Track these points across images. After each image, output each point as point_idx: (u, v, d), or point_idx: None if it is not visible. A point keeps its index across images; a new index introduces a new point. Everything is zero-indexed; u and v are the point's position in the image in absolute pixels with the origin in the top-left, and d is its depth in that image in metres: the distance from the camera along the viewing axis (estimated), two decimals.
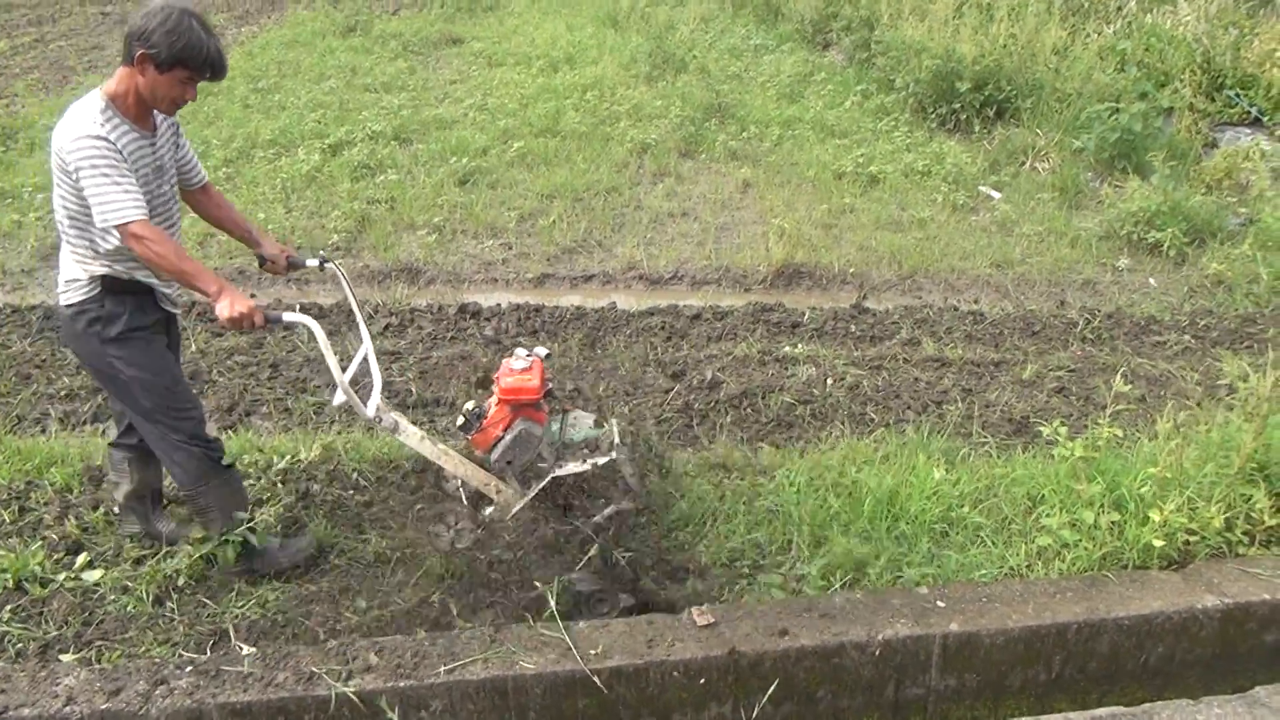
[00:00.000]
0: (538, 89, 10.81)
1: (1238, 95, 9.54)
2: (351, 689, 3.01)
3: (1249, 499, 4.07)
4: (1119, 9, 11.49)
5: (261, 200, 7.75)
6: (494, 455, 3.70)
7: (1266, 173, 8.19)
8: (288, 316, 3.40)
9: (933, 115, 9.99)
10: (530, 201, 7.96)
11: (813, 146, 9.29)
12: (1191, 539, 3.93)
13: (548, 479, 3.67)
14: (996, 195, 8.42)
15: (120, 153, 3.21)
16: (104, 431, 4.69)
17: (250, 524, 3.70)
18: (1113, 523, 3.91)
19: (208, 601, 3.63)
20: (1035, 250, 7.42)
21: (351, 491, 4.32)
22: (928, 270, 7.05)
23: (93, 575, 3.74)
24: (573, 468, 3.67)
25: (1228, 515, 3.98)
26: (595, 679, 3.16)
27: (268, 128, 9.30)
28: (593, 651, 3.22)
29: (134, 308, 3.46)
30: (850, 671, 3.42)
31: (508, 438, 3.68)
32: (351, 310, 3.70)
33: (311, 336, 3.70)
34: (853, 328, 6.17)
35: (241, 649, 3.26)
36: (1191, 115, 9.35)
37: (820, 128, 9.84)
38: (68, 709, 2.96)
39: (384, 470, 4.48)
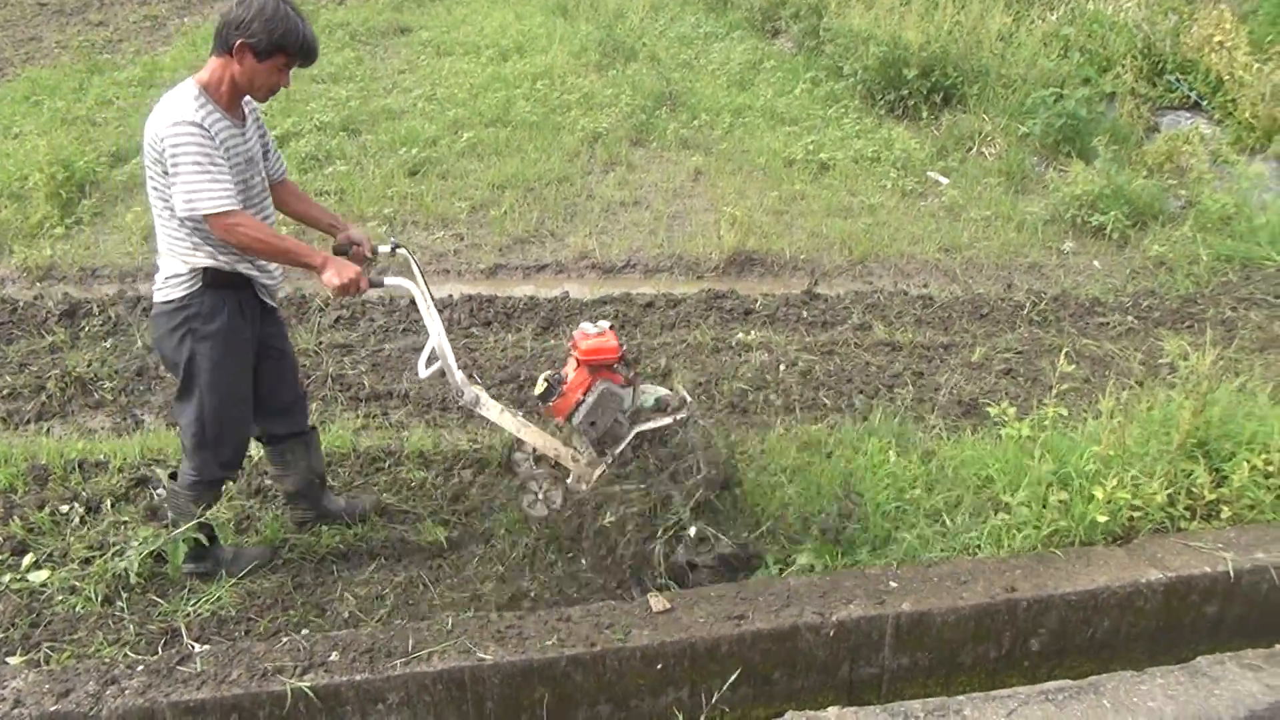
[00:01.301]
0: (487, 78, 10.73)
1: (1178, 80, 9.71)
2: (307, 684, 2.99)
3: (1190, 474, 4.17)
4: None
5: None
6: (576, 418, 3.79)
7: (1205, 156, 8.36)
8: (389, 281, 3.57)
9: (881, 102, 10.06)
10: (481, 192, 7.91)
11: (763, 134, 9.32)
12: (1135, 515, 4.02)
13: (632, 435, 3.79)
14: (945, 180, 8.52)
15: (214, 140, 3.23)
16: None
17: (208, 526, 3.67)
18: (1060, 501, 3.99)
19: (159, 600, 3.58)
20: (983, 234, 7.52)
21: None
22: (878, 255, 7.12)
23: (39, 576, 3.69)
24: (654, 423, 3.80)
25: (1170, 491, 4.08)
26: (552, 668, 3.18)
27: None
28: (550, 641, 3.22)
29: (234, 306, 3.47)
30: (805, 653, 3.45)
31: (589, 399, 3.76)
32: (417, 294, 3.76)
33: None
34: (804, 314, 6.22)
35: (194, 647, 3.22)
36: (1133, 100, 9.51)
37: (770, 115, 9.87)
38: (16, 711, 2.91)
39: (337, 463, 4.44)
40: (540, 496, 3.95)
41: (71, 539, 3.91)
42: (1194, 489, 4.13)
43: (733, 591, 3.55)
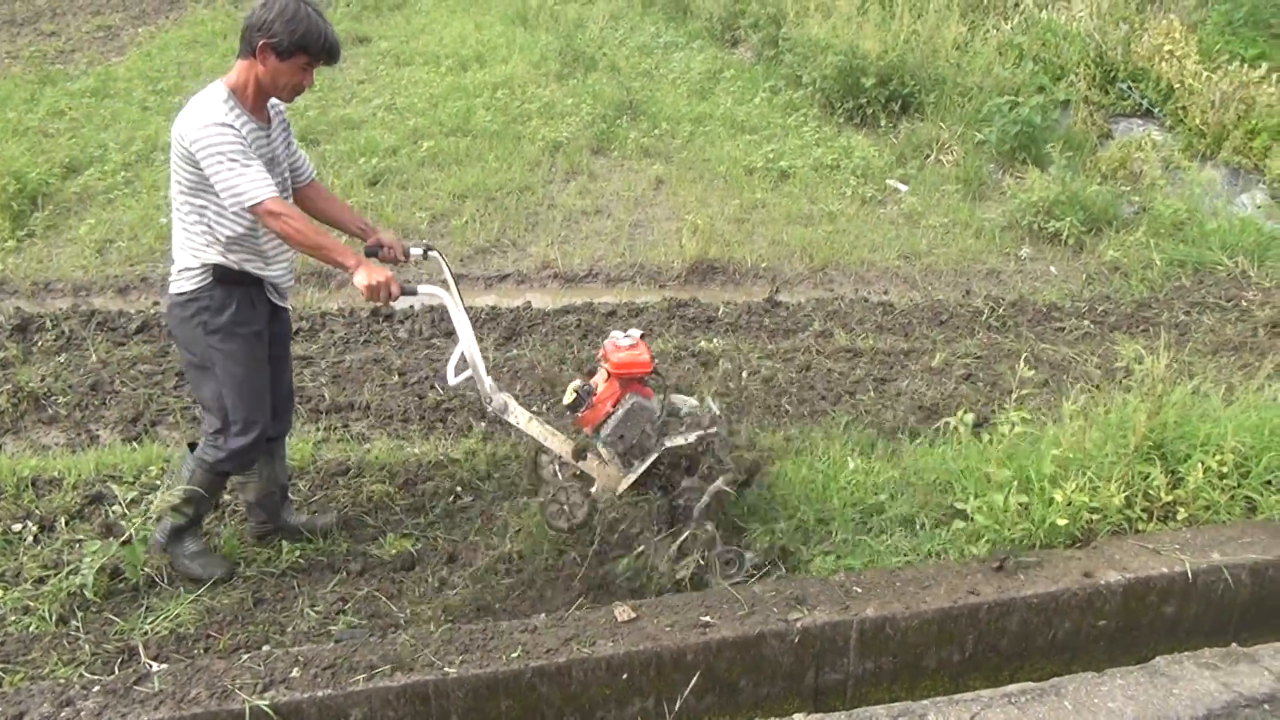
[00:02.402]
0: (447, 88, 10.69)
1: (1130, 88, 9.89)
2: (267, 701, 2.94)
3: (1147, 477, 4.23)
4: (1016, 5, 11.78)
5: (164, 205, 7.51)
6: (604, 431, 3.74)
7: (1158, 162, 8.52)
8: (422, 288, 3.54)
9: (840, 110, 10.15)
10: (442, 201, 7.88)
11: (723, 143, 9.36)
12: (1094, 517, 4.07)
13: (661, 450, 3.73)
14: (903, 188, 8.60)
15: (245, 139, 3.31)
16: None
17: (192, 521, 3.75)
18: (1021, 504, 4.03)
19: (116, 618, 3.52)
20: (941, 241, 7.60)
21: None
22: (838, 263, 7.17)
23: None
24: (683, 439, 3.75)
25: (1128, 494, 4.13)
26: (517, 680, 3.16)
27: (168, 130, 9.00)
28: (515, 653, 3.20)
29: (242, 300, 3.56)
30: (770, 660, 3.46)
31: (619, 413, 3.72)
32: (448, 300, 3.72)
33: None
34: (766, 321, 6.25)
35: (151, 666, 3.16)
36: (1087, 108, 9.67)
37: (730, 124, 9.92)
38: None
39: (297, 476, 4.39)
40: (565, 507, 3.91)
41: (25, 558, 3.83)
42: (1150, 491, 4.19)
43: (697, 600, 3.55)
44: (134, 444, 4.67)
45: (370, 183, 8.18)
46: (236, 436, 3.62)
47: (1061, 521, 3.96)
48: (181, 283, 3.53)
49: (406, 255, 3.95)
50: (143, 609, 3.57)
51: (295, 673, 3.08)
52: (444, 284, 3.72)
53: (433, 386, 5.30)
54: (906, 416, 5.12)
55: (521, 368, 5.55)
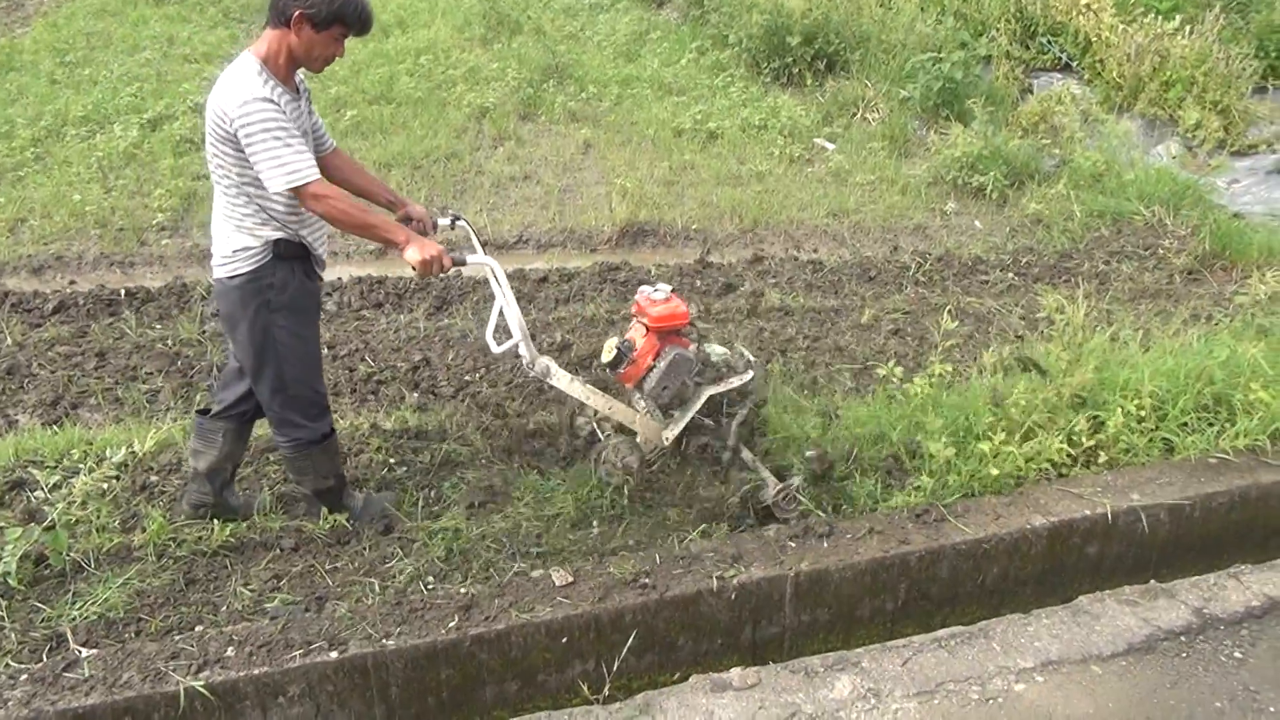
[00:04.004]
0: (369, 54, 10.47)
1: (1049, 42, 10.04)
2: (202, 682, 2.91)
3: (1071, 423, 4.33)
4: None
5: (77, 181, 7.29)
6: (648, 385, 3.85)
7: (1077, 115, 8.68)
8: (472, 258, 3.55)
9: (766, 70, 10.16)
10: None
11: (651, 105, 9.32)
12: (1024, 465, 4.16)
13: (705, 396, 3.89)
14: (830, 146, 8.66)
15: (285, 112, 3.24)
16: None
17: (340, 484, 3.86)
18: (948, 459, 4.10)
19: (42, 606, 3.44)
20: (869, 198, 7.67)
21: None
22: (768, 222, 7.20)
23: None
24: (725, 385, 3.92)
25: (1060, 444, 4.22)
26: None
27: (79, 104, 8.72)
28: (453, 622, 3.20)
29: (301, 274, 3.55)
30: (709, 617, 3.50)
31: (661, 365, 3.82)
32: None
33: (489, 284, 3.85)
34: (698, 282, 6.27)
35: (81, 652, 3.11)
36: (1008, 63, 9.80)
37: (658, 86, 9.88)
38: None
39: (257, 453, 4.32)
40: (618, 463, 3.99)
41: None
42: (1074, 437, 4.29)
43: (636, 559, 3.58)
44: (54, 428, 4.54)
45: None
46: (302, 400, 3.63)
47: (994, 471, 4.05)
48: (237, 264, 3.43)
49: (435, 227, 3.94)
50: (70, 595, 3.49)
51: (230, 652, 3.05)
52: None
53: (363, 359, 5.24)
54: (840, 372, 5.18)
55: (454, 337, 5.50)
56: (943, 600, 3.85)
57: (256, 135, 3.18)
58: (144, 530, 3.80)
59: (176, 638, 3.13)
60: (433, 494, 4.17)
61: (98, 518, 3.82)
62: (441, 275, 3.54)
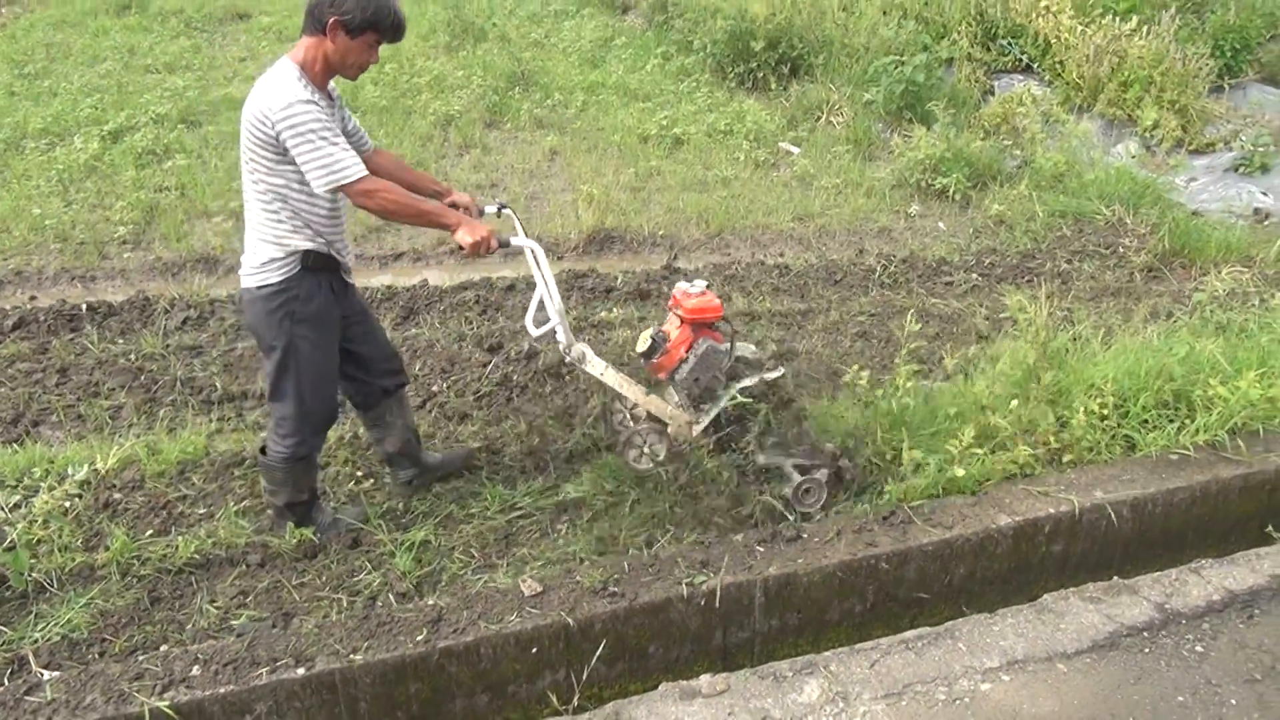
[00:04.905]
0: None
1: (1010, 44, 10.14)
2: (167, 702, 2.88)
3: (1037, 423, 4.37)
4: None
5: (36, 195, 7.20)
6: (680, 375, 3.95)
7: (1038, 116, 8.77)
8: (515, 240, 3.75)
9: (731, 75, 10.20)
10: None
11: (617, 111, 9.34)
12: (989, 466, 4.19)
13: (735, 390, 3.99)
14: (796, 150, 8.70)
15: (327, 116, 3.32)
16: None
17: (311, 500, 3.87)
18: (914, 461, 4.12)
19: (2, 628, 3.40)
20: (834, 202, 7.72)
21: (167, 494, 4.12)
22: (734, 227, 7.23)
23: None
24: (753, 380, 4.02)
25: (1029, 446, 4.26)
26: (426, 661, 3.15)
27: (38, 116, 8.62)
28: (421, 635, 3.19)
29: (327, 287, 3.61)
30: (679, 624, 3.51)
31: (693, 357, 3.93)
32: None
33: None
34: (665, 288, 6.28)
35: (43, 675, 3.07)
36: (970, 65, 9.89)
37: (624, 92, 9.89)
38: None
39: (190, 470, 4.29)
40: (645, 450, 4.07)
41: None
42: (1036, 436, 4.33)
43: (604, 568, 3.58)
44: (14, 446, 4.48)
45: None
46: (312, 412, 3.67)
47: (960, 473, 4.08)
48: (266, 274, 3.48)
49: (481, 213, 4.04)
50: (32, 616, 3.45)
51: (196, 671, 3.02)
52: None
53: None
54: (807, 375, 5.21)
55: (420, 346, 5.48)
56: (911, 602, 3.88)
57: (304, 136, 3.23)
58: (107, 549, 3.77)
59: (141, 658, 3.10)
60: (401, 506, 4.16)
61: (59, 537, 3.78)
62: (489, 254, 3.65)
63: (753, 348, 4.25)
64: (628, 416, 4.28)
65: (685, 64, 10.63)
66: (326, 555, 3.82)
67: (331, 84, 3.58)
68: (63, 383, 5.07)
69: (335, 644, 3.14)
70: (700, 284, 4.06)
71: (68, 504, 4.01)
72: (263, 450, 3.78)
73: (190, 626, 3.43)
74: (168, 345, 5.40)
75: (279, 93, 3.24)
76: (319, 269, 3.56)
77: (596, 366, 3.93)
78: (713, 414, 4.02)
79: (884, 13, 10.52)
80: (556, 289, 3.87)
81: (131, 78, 9.95)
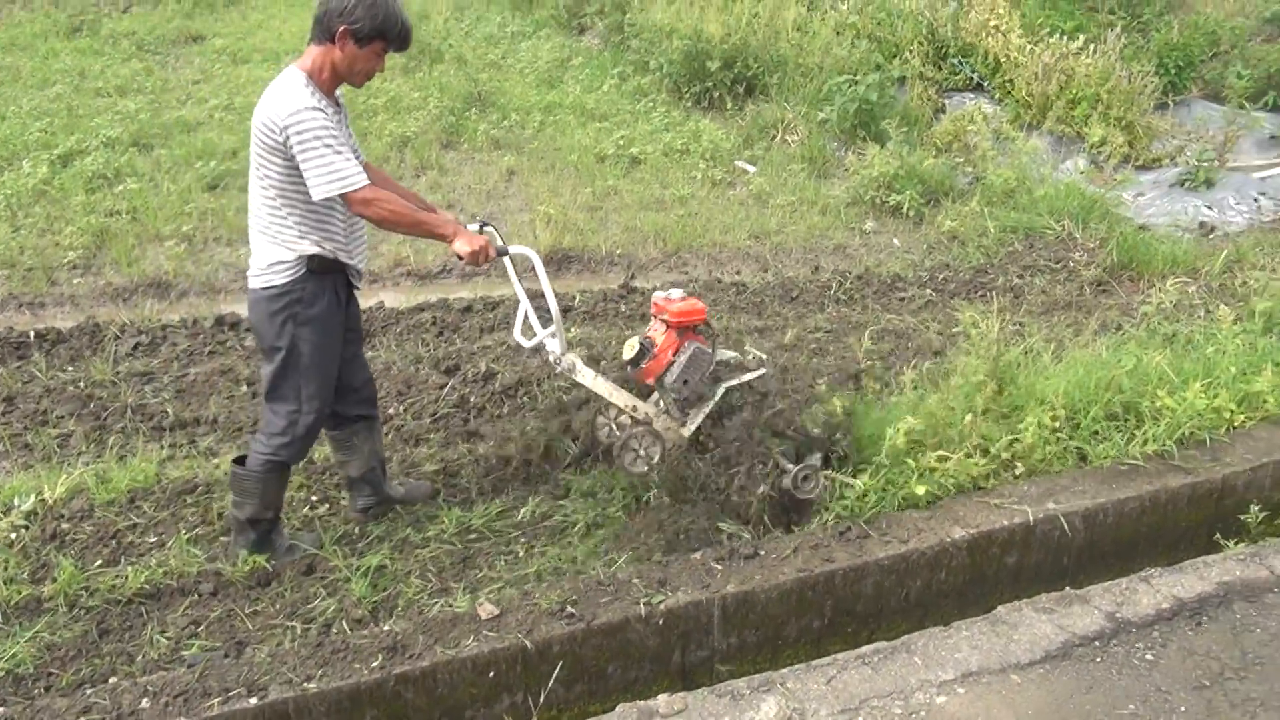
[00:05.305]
0: None
1: (960, 63, 10.30)
2: None
3: (990, 437, 4.41)
4: None
5: None
6: (668, 379, 4.01)
7: (989, 134, 8.91)
8: (513, 249, 3.91)
9: (687, 94, 10.26)
10: None
11: (574, 131, 9.37)
12: (946, 481, 4.22)
13: (724, 388, 4.09)
14: (752, 169, 8.77)
15: (334, 123, 3.38)
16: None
17: (274, 521, 3.86)
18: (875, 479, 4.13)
19: None
20: (790, 220, 7.78)
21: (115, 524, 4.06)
22: (691, 246, 7.27)
23: None
24: (739, 379, 4.13)
25: (985, 460, 4.30)
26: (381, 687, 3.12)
27: None
28: (376, 661, 3.16)
29: (332, 290, 3.65)
30: (637, 644, 3.51)
31: (681, 359, 3.99)
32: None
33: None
34: (622, 307, 6.29)
35: None
36: (922, 83, 10.03)
37: (581, 112, 9.92)
38: None
39: (140, 499, 4.22)
40: (641, 453, 4.09)
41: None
42: (991, 450, 4.38)
43: (562, 589, 3.57)
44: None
45: (210, 187, 7.88)
46: (307, 415, 3.68)
47: (920, 490, 4.11)
48: (271, 276, 3.53)
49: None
50: None
51: (145, 704, 2.98)
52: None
53: None
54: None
55: (376, 369, 5.44)
56: (868, 616, 3.90)
57: (309, 142, 3.29)
58: (54, 580, 3.70)
59: (89, 691, 3.05)
60: (356, 530, 4.12)
61: (5, 569, 3.71)
62: (486, 264, 3.71)
63: (732, 352, 4.33)
64: (614, 425, 4.35)
65: (642, 84, 10.68)
66: (280, 582, 3.77)
67: (339, 93, 3.63)
68: (9, 411, 4.98)
69: (289, 672, 3.11)
70: (678, 292, 4.14)
71: (14, 535, 3.95)
72: (239, 461, 3.77)
73: (140, 658, 3.37)
74: (118, 372, 5.33)
75: (287, 99, 3.31)
76: (324, 272, 3.60)
77: (586, 376, 4.01)
78: (702, 415, 4.11)
79: (837, 32, 10.65)
80: (554, 298, 3.93)
81: (82, 101, 9.83)
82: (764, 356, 4.32)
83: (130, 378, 5.27)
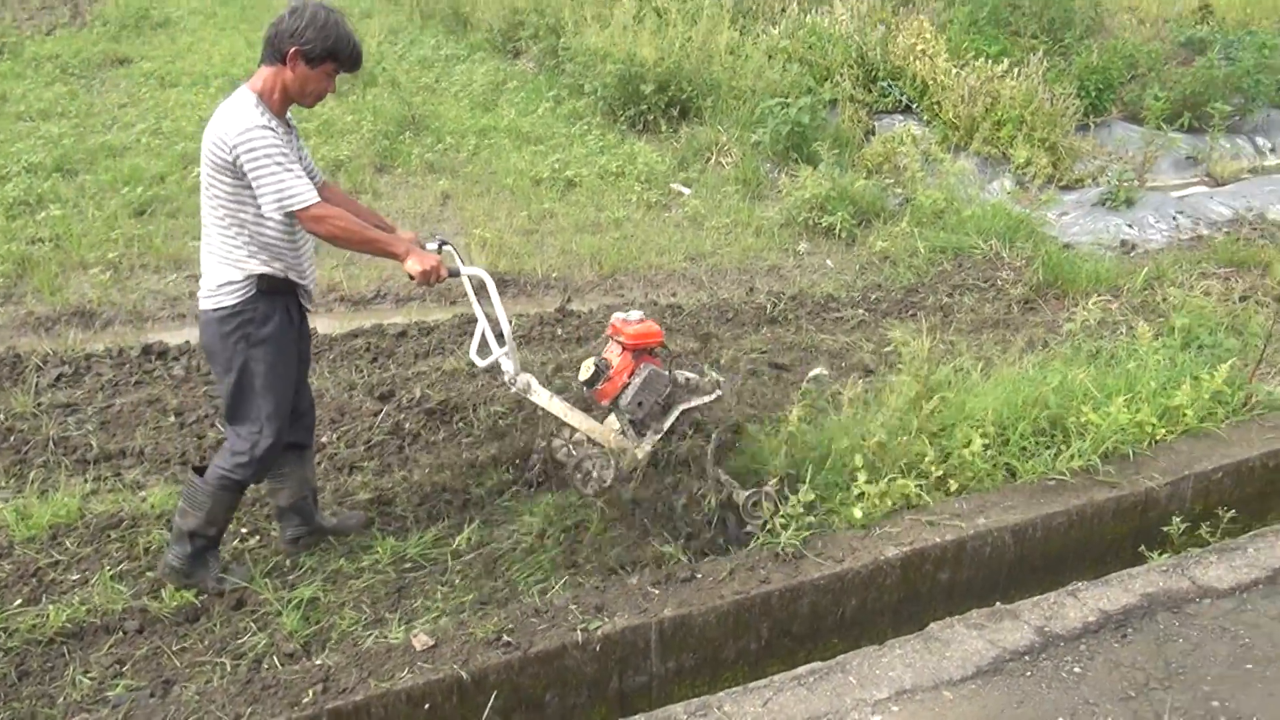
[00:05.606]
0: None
1: (890, 86, 10.49)
2: None
3: (922, 455, 4.48)
4: (783, 10, 12.32)
5: None
6: (624, 401, 4.02)
7: (918, 155, 9.07)
8: (465, 270, 3.86)
9: (622, 117, 10.33)
10: None
11: (509, 154, 9.37)
12: (883, 501, 4.27)
13: (679, 411, 4.09)
14: (686, 191, 8.84)
15: (284, 142, 3.39)
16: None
17: (214, 541, 3.80)
18: (812, 501, 4.16)
19: None
20: (725, 241, 7.85)
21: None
22: (627, 268, 7.29)
23: None
24: (695, 401, 4.13)
25: (916, 479, 4.36)
26: None
27: None
28: (307, 697, 3.11)
29: (283, 309, 3.64)
30: (575, 671, 3.49)
31: (636, 381, 4.01)
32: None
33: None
34: (559, 331, 6.29)
35: None
36: (852, 106, 10.20)
37: (516, 135, 9.93)
38: None
39: (63, 535, 4.11)
40: (594, 474, 4.13)
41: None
42: (922, 468, 4.45)
43: (498, 617, 3.54)
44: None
45: (136, 213, 7.74)
46: (266, 438, 3.66)
47: (858, 513, 4.15)
48: (221, 297, 3.52)
49: (423, 249, 3.99)
50: None
51: None
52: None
53: (213, 425, 5.06)
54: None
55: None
56: (805, 636, 3.93)
57: (260, 160, 3.31)
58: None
59: None
60: (288, 562, 4.05)
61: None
62: (438, 283, 3.69)
63: (690, 374, 4.36)
64: (570, 446, 4.35)
65: (577, 107, 10.73)
66: (209, 617, 3.70)
67: (289, 114, 3.62)
68: None
69: (217, 711, 3.05)
70: (635, 314, 4.17)
71: None
72: (198, 471, 3.75)
73: (62, 700, 3.28)
74: (40, 403, 5.19)
75: (237, 118, 3.32)
76: (275, 292, 3.59)
77: (542, 396, 4.02)
78: (657, 437, 4.11)
79: (769, 56, 10.79)
80: (506, 319, 3.91)
81: (3, 125, 9.61)
82: (720, 379, 4.34)
83: (52, 409, 5.13)
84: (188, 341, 5.96)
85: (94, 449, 4.79)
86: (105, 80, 11.73)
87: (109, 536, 4.13)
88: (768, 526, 4.03)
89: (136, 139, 9.38)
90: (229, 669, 3.41)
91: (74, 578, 3.90)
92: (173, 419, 5.12)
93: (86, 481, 4.54)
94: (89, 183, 8.24)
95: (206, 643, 3.56)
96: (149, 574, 3.92)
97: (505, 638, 3.43)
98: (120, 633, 3.61)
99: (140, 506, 4.33)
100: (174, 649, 3.53)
